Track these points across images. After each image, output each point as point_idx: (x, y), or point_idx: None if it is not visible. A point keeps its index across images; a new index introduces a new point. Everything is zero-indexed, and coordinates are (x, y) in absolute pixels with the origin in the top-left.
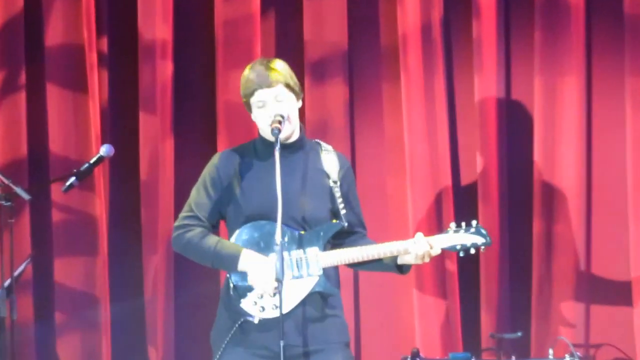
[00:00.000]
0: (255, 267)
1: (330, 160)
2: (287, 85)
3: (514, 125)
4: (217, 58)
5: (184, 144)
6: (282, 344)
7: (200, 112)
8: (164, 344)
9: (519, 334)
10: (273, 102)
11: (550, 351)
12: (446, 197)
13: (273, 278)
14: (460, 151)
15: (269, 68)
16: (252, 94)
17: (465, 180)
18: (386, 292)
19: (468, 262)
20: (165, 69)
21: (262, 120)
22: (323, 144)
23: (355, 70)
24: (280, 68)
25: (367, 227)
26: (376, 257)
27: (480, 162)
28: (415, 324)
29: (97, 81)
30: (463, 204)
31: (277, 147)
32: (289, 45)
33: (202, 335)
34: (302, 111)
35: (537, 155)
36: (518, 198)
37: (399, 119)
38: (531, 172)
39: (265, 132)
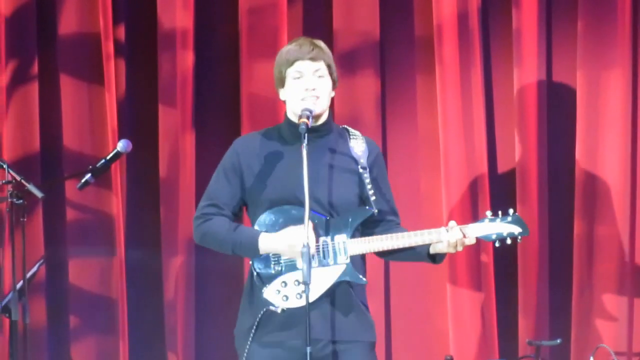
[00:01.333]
0: (278, 238)
1: (359, 146)
2: (329, 67)
3: (555, 120)
4: (241, 48)
5: (206, 138)
6: (308, 351)
7: (223, 105)
8: (183, 349)
9: (558, 341)
10: (312, 75)
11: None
12: (482, 196)
13: (301, 240)
14: (497, 148)
15: (314, 44)
16: (291, 63)
17: (502, 178)
18: (419, 287)
19: (504, 260)
20: (186, 59)
21: (296, 92)
22: (351, 129)
23: (387, 62)
24: (325, 48)
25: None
26: (407, 245)
27: (518, 159)
28: (449, 326)
29: (113, 72)
30: (500, 203)
31: (305, 144)
32: (317, 35)
33: (224, 340)
34: (331, 104)
35: (579, 152)
36: (558, 197)
37: (434, 114)
38: (573, 170)
39: (295, 107)
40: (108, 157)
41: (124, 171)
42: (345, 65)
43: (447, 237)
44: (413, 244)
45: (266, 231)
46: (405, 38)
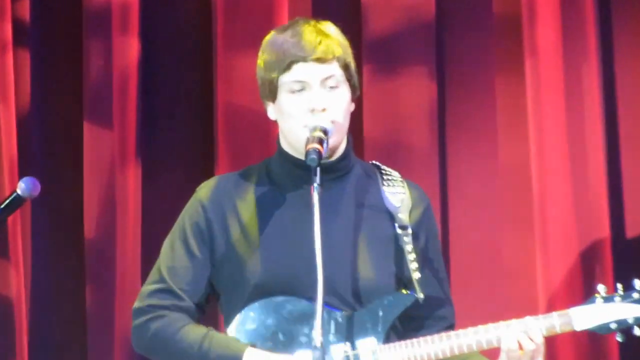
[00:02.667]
0: None
1: (396, 194)
2: (345, 67)
3: None
4: (216, 33)
5: (158, 176)
6: None
7: (186, 122)
8: None
9: None
10: (319, 86)
11: None
12: (601, 268)
13: None
14: (625, 190)
15: (321, 32)
16: (286, 67)
17: (631, 230)
18: None
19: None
20: (128, 49)
21: (295, 114)
22: (385, 168)
23: (447, 53)
24: (339, 37)
25: (464, 311)
26: (457, 351)
27: None
28: None
29: (12, 71)
30: (626, 270)
31: (316, 183)
32: (336, 12)
33: None
34: (354, 116)
35: None
36: None
37: (521, 132)
38: None
39: (294, 138)
40: (2, 206)
41: (27, 229)
42: (380, 58)
43: (507, 339)
44: (466, 350)
45: (251, 342)
46: (476, 16)
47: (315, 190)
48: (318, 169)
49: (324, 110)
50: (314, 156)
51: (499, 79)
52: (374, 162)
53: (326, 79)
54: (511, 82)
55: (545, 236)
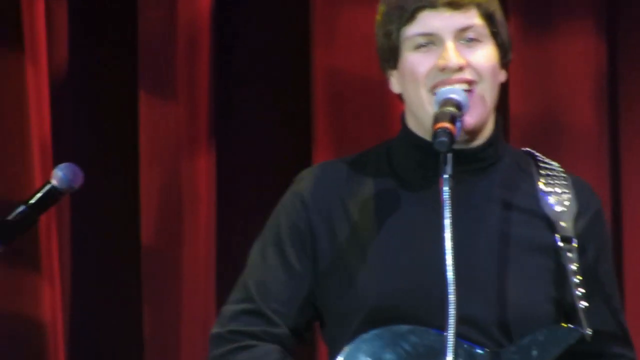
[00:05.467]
0: None
1: (558, 194)
2: (489, 17)
3: None
4: None
5: (238, 159)
6: None
7: (275, 89)
8: None
9: None
10: (453, 39)
11: None
12: None
13: None
14: None
15: None
16: (409, 17)
17: None
18: None
19: None
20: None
21: (420, 76)
22: (543, 158)
23: (622, 3)
24: None
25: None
26: None
27: None
28: None
29: (43, 26)
30: None
31: (447, 174)
32: None
33: None
34: (502, 91)
35: None
36: None
37: None
38: None
39: (420, 112)
40: (32, 202)
41: (65, 233)
42: (532, 12)
43: None
44: None
45: None
46: None
47: (445, 183)
48: (450, 155)
49: (460, 69)
50: (443, 138)
51: None
52: (527, 149)
53: (462, 30)
54: None
55: None
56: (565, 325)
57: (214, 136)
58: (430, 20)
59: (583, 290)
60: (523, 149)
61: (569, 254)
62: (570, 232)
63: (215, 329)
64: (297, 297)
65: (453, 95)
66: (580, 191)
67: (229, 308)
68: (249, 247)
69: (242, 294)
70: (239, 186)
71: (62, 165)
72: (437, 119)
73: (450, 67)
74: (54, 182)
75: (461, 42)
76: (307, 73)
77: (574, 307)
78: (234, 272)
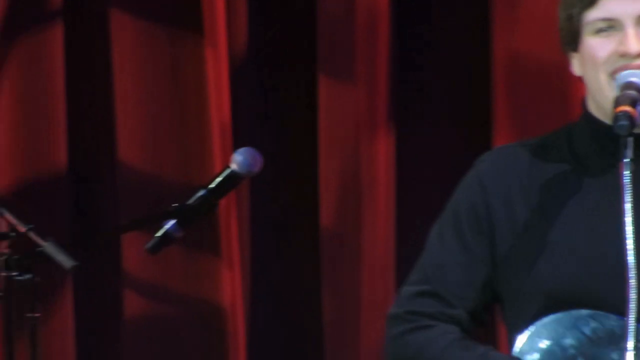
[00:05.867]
0: None
1: None
2: None
3: None
4: None
5: (417, 142)
6: None
7: (454, 72)
8: None
9: None
10: (634, 24)
11: None
12: None
13: None
14: None
15: None
16: (590, 2)
17: None
18: None
19: None
20: None
21: (599, 60)
22: None
23: None
24: None
25: None
26: None
27: None
28: None
29: (223, 7)
30: None
31: (627, 158)
32: None
33: None
34: None
35: None
36: None
37: None
38: None
39: (600, 96)
40: (210, 187)
41: (245, 216)
42: None
43: None
44: None
45: None
46: None
47: (626, 167)
48: (630, 139)
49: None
50: (624, 122)
51: None
52: None
53: None
54: None
55: None
56: None
57: (393, 120)
58: (611, 5)
59: None
60: None
61: None
62: None
63: (392, 310)
64: (474, 280)
65: (634, 79)
66: None
67: (407, 289)
68: (428, 230)
69: (420, 276)
70: (418, 170)
71: (242, 150)
72: (617, 102)
73: (630, 53)
74: (234, 166)
75: None
76: (486, 56)
77: None
78: (414, 256)
